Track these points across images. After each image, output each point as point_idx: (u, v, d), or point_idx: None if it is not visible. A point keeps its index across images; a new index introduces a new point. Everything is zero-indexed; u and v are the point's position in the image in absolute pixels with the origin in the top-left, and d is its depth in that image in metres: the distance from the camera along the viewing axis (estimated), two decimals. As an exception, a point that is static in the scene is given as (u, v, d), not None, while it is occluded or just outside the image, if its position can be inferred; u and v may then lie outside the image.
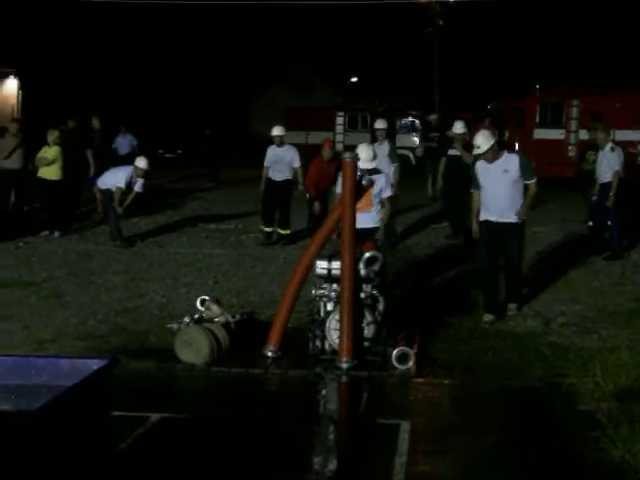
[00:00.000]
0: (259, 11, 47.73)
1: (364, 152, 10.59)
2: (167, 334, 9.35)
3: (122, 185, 16.01)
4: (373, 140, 18.41)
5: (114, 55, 49.24)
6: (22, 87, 25.38)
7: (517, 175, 10.46)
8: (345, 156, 9.05)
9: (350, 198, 8.84)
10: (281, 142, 16.29)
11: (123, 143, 25.68)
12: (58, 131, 17.92)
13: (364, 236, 9.76)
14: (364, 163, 10.30)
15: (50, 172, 17.33)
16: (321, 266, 8.93)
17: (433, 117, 20.91)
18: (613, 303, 11.28)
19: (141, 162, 16.21)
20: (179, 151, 48.09)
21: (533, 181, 10.62)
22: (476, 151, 10.49)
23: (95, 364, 5.43)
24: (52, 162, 17.31)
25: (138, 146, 25.53)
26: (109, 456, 5.62)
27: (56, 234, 16.91)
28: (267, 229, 16.40)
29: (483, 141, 10.42)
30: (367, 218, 10.52)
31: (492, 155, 10.41)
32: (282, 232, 16.23)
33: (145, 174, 16.29)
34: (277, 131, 16.36)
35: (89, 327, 10.17)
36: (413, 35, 45.27)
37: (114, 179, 16.23)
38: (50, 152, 17.38)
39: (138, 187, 16.22)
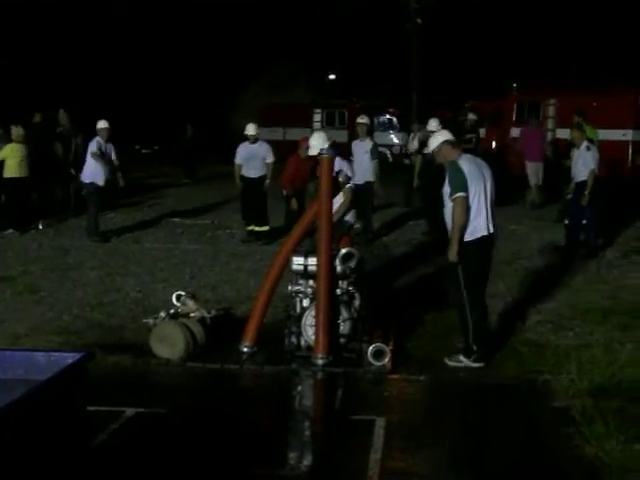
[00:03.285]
0: (239, 8, 47.70)
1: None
2: (143, 329, 9.32)
3: (94, 149, 16.01)
4: (353, 137, 18.47)
5: (94, 50, 48.94)
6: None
7: (448, 190, 8.39)
8: (322, 152, 9.03)
9: (327, 194, 8.83)
10: (255, 140, 16.30)
11: None
12: (16, 127, 17.48)
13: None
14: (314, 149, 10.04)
15: (5, 170, 17.08)
16: (297, 262, 8.93)
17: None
18: (588, 301, 11.32)
19: (100, 123, 16.27)
20: (155, 147, 47.95)
21: (452, 197, 8.28)
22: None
23: (70, 358, 5.41)
24: (4, 160, 17.01)
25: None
26: (85, 451, 5.60)
27: (7, 232, 16.64)
28: (248, 227, 16.38)
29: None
30: None
31: (444, 157, 8.61)
32: (258, 229, 16.15)
33: (108, 132, 16.24)
34: (251, 130, 16.32)
35: (64, 322, 10.14)
36: (391, 33, 45.27)
37: (88, 162, 16.16)
38: (3, 151, 17.16)
39: (114, 155, 16.30)
